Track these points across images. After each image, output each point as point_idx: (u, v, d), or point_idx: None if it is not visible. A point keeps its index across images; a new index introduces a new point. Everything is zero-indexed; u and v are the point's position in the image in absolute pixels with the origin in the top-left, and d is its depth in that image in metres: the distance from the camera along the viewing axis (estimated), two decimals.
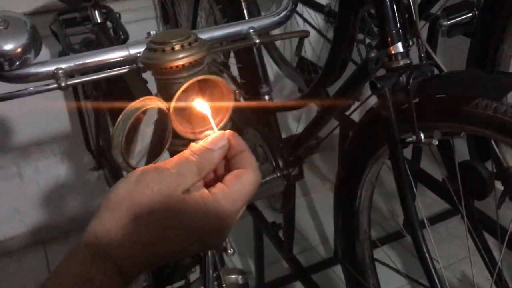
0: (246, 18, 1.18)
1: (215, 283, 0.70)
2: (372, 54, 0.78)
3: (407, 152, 1.49)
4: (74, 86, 1.41)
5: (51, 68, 0.53)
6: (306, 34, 0.72)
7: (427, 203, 1.82)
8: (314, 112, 1.17)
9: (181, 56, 0.45)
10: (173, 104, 0.45)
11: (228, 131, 0.47)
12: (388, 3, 0.74)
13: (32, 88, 0.53)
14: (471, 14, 1.03)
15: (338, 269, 1.54)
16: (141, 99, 0.44)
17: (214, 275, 0.70)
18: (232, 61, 1.35)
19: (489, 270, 0.97)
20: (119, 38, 1.24)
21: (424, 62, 0.76)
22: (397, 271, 0.95)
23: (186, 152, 0.44)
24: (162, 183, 0.41)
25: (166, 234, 0.41)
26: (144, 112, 0.44)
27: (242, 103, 0.83)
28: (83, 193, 1.86)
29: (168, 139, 0.47)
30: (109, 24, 1.29)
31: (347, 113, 1.07)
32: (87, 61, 0.55)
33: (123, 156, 0.43)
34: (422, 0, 1.08)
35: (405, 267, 1.55)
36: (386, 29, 0.75)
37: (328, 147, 2.09)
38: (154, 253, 0.41)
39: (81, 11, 1.32)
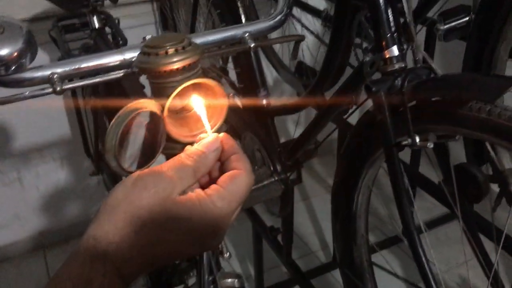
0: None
1: (211, 287, 0.70)
2: (368, 58, 0.79)
3: (407, 156, 1.50)
4: (73, 92, 1.42)
5: (46, 72, 0.53)
6: (301, 38, 0.72)
7: (426, 207, 1.82)
8: (312, 117, 1.18)
9: (174, 60, 0.45)
10: (166, 107, 0.46)
11: (221, 134, 0.48)
12: (383, 7, 0.75)
13: (27, 93, 0.53)
14: (467, 19, 1.04)
15: (337, 274, 1.54)
16: (134, 102, 0.44)
17: (210, 279, 0.70)
18: (231, 66, 1.35)
19: (485, 273, 0.97)
20: (118, 44, 1.25)
21: (418, 65, 0.76)
22: (395, 275, 0.95)
23: (181, 156, 0.45)
24: (159, 186, 0.42)
25: (163, 236, 0.42)
26: (137, 115, 0.44)
27: (238, 105, 0.84)
28: (83, 198, 1.86)
29: (161, 142, 0.47)
30: (108, 30, 1.30)
31: (345, 116, 1.07)
32: (82, 65, 0.56)
33: (116, 159, 0.44)
34: (418, 4, 1.08)
35: (405, 271, 1.55)
36: (380, 33, 0.75)
37: (327, 151, 2.09)
38: (152, 255, 0.42)
39: (80, 17, 1.33)
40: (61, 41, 1.27)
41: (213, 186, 0.44)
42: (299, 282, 1.44)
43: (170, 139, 0.48)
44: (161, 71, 0.46)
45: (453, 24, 1.03)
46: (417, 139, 0.71)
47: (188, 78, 0.47)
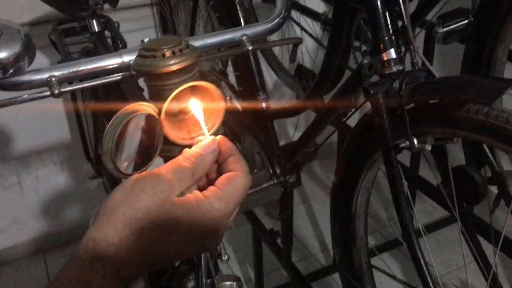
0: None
1: None
2: (366, 61, 0.79)
3: (406, 159, 1.50)
4: (73, 95, 1.42)
5: (44, 76, 0.53)
6: (299, 41, 0.72)
7: (427, 210, 1.82)
8: (312, 120, 1.18)
9: (171, 62, 0.46)
10: (164, 110, 0.46)
11: (219, 136, 0.48)
12: (381, 10, 0.75)
13: (25, 96, 0.53)
14: (466, 21, 1.04)
15: (337, 277, 1.53)
16: (131, 105, 0.45)
17: (208, 281, 0.70)
18: (231, 69, 1.36)
19: (484, 274, 0.97)
20: (117, 47, 1.25)
21: (416, 68, 0.76)
22: (395, 277, 0.95)
23: (179, 158, 0.46)
24: (157, 188, 0.42)
25: (162, 237, 0.42)
26: (134, 118, 0.44)
27: (236, 107, 0.84)
28: (83, 201, 1.86)
29: (159, 145, 0.47)
30: (108, 33, 1.30)
31: (344, 119, 1.07)
32: (80, 68, 0.56)
33: (113, 162, 0.44)
34: (416, 7, 1.08)
35: (405, 274, 1.55)
36: (378, 36, 0.75)
37: (327, 154, 2.09)
38: (151, 256, 0.42)
39: (79, 20, 1.33)
40: (61, 45, 1.27)
41: (211, 188, 0.45)
42: (299, 285, 1.44)
43: (167, 141, 0.48)
44: (158, 73, 0.46)
45: (452, 27, 1.04)
46: (415, 142, 0.71)
47: (185, 81, 0.47)
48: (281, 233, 1.35)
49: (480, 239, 1.04)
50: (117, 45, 1.27)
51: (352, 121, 1.06)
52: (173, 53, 0.46)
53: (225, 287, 0.73)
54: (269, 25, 0.68)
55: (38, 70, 0.54)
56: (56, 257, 1.83)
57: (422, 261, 0.75)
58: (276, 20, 0.68)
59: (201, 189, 0.45)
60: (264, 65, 1.66)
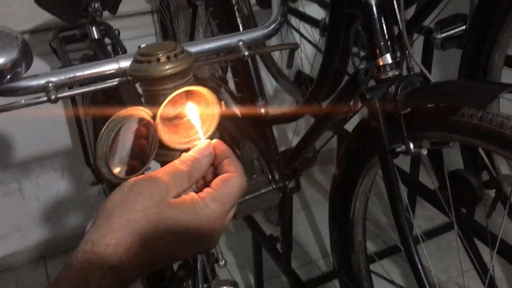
0: None
1: None
2: (363, 66, 0.80)
3: (406, 164, 1.50)
4: (73, 101, 1.43)
5: (41, 81, 0.54)
6: (295, 46, 0.73)
7: (428, 216, 1.82)
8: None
9: (166, 67, 0.46)
10: (159, 114, 0.46)
11: (214, 140, 0.49)
12: (376, 15, 0.75)
13: (22, 101, 0.54)
14: (464, 27, 1.04)
15: (338, 283, 1.54)
16: (126, 109, 0.45)
17: (205, 286, 0.70)
18: (230, 75, 1.36)
19: (481, 278, 0.96)
20: (117, 54, 1.26)
21: (412, 72, 0.77)
22: (393, 282, 0.95)
23: (176, 162, 0.47)
24: (153, 190, 0.43)
25: (159, 237, 0.42)
26: (128, 122, 0.45)
27: (233, 112, 0.84)
28: (84, 208, 1.86)
29: (154, 149, 0.48)
30: (108, 41, 1.31)
31: (343, 124, 1.07)
32: (77, 74, 0.56)
33: (107, 166, 0.44)
34: (414, 13, 1.09)
35: (406, 280, 1.54)
36: (374, 41, 0.76)
37: (327, 160, 2.10)
38: (149, 256, 0.43)
39: (80, 28, 1.34)
40: (61, 52, 1.28)
41: (206, 189, 0.46)
42: None
43: (163, 146, 0.49)
44: (153, 78, 0.46)
45: (450, 32, 1.04)
46: (411, 146, 0.72)
47: (180, 86, 0.47)
48: (280, 238, 1.34)
49: (478, 243, 1.04)
50: (117, 52, 1.28)
51: (351, 126, 1.07)
52: (168, 58, 0.46)
53: None
54: (265, 31, 0.69)
55: (35, 76, 0.54)
56: (56, 264, 1.83)
57: (419, 267, 0.75)
58: (272, 26, 0.69)
59: (198, 191, 0.46)
60: (264, 71, 1.67)
